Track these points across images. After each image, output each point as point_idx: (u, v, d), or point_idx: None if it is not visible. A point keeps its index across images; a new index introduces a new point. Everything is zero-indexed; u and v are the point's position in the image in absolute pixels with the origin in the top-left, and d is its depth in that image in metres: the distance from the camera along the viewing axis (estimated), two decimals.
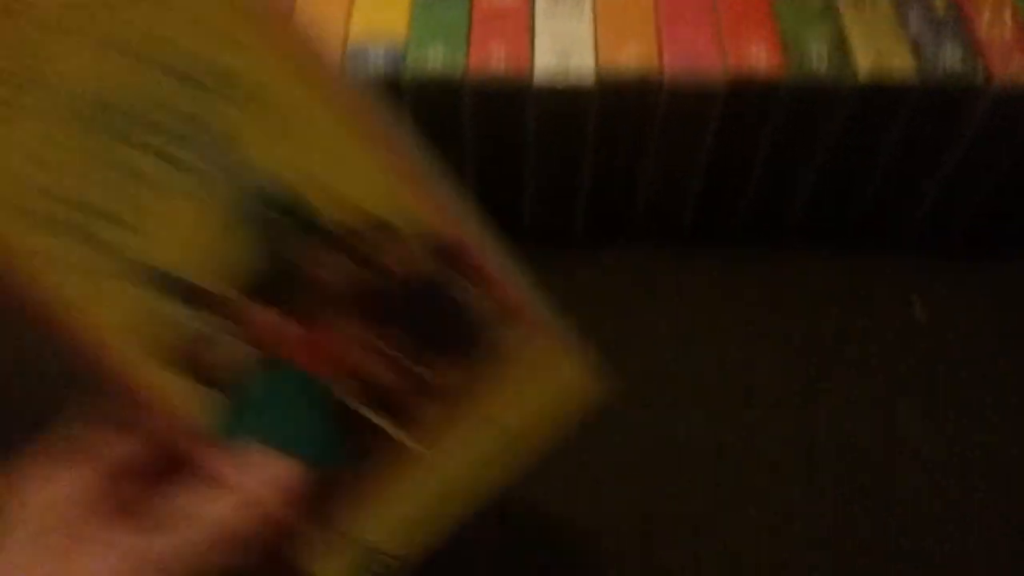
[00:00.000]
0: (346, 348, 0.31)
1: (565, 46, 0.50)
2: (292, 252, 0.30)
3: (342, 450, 0.32)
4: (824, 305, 0.56)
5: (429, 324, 0.32)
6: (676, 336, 0.55)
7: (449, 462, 0.34)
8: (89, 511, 0.29)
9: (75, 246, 0.27)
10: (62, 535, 0.28)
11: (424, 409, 0.33)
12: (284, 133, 0.28)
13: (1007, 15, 0.51)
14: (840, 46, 0.50)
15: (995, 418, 0.52)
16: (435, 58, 0.49)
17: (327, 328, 0.31)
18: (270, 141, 0.28)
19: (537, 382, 0.35)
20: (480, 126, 0.51)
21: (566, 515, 0.49)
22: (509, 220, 0.56)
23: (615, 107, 0.50)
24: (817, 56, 0.49)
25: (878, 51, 0.49)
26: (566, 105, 0.50)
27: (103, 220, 0.27)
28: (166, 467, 0.31)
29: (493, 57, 0.49)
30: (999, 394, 0.53)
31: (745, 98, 0.49)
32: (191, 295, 0.29)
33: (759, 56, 0.49)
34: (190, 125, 0.27)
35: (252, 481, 0.30)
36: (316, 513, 0.32)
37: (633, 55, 0.49)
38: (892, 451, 0.51)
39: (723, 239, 0.59)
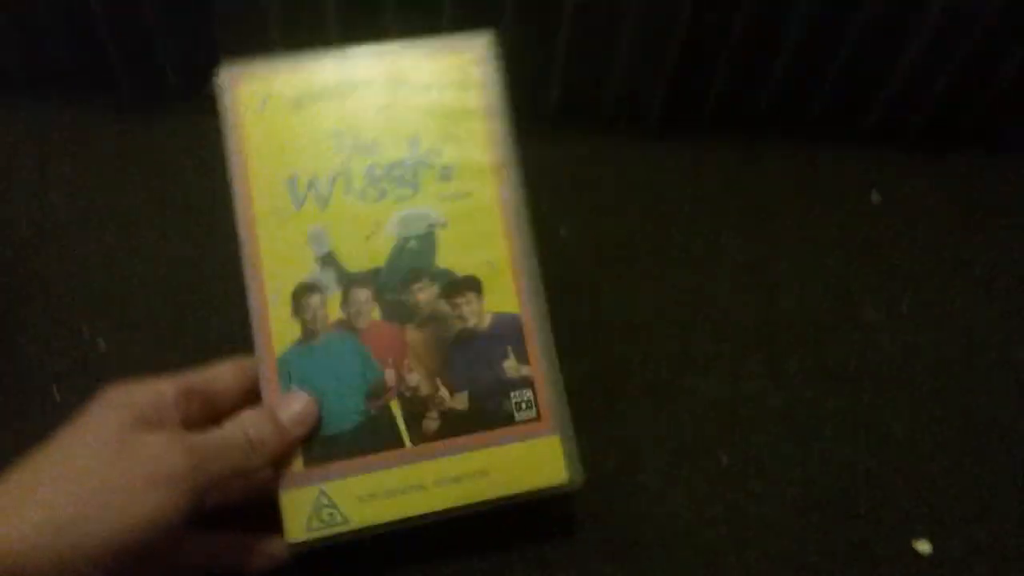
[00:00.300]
0: (405, 349, 0.41)
1: None
2: (409, 272, 0.41)
3: (358, 419, 0.40)
4: (786, 192, 0.58)
5: (469, 366, 0.41)
6: (642, 217, 0.56)
7: (426, 473, 0.40)
8: (160, 413, 0.37)
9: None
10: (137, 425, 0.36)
11: (431, 423, 0.40)
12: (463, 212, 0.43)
13: None
14: None
15: (941, 298, 0.54)
16: None
17: (402, 330, 0.41)
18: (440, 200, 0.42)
19: (526, 459, 0.41)
20: None
21: None
22: None
23: None
24: None
25: None
26: None
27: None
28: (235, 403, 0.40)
29: None
30: (947, 276, 0.55)
31: None
32: (331, 262, 0.41)
33: None
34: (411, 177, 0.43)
35: (285, 411, 0.39)
36: (309, 454, 0.40)
37: None
38: (849, 326, 0.53)
39: (692, 129, 0.60)
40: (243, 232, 0.41)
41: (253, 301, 0.40)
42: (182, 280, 0.52)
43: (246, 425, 0.38)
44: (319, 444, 0.40)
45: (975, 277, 0.55)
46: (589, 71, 0.56)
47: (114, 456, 0.34)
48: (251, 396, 0.40)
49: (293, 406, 0.39)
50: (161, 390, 0.38)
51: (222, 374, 0.40)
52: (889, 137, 0.60)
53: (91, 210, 0.54)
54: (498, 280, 0.42)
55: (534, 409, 0.41)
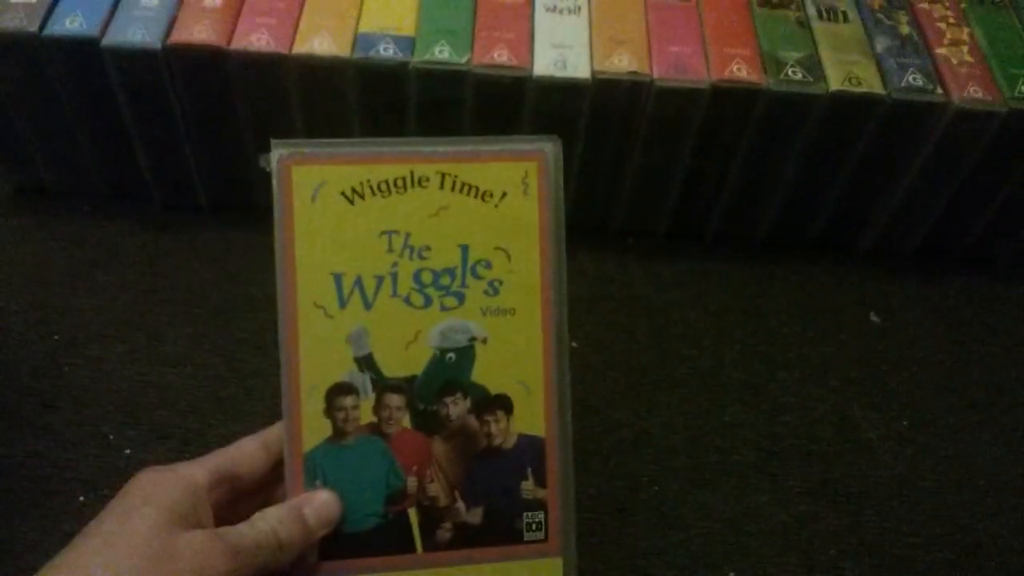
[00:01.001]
0: (430, 459, 0.41)
1: (563, 50, 0.53)
2: (445, 383, 0.41)
3: (376, 521, 0.41)
4: (787, 312, 0.60)
5: (489, 482, 0.42)
6: (650, 334, 0.58)
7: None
8: (196, 508, 0.37)
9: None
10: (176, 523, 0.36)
11: (445, 533, 0.41)
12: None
13: (964, 39, 0.56)
14: (813, 61, 0.54)
15: (939, 418, 0.56)
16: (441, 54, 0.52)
17: (429, 440, 0.41)
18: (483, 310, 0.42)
19: None
20: (480, 115, 0.54)
21: None
22: None
23: (607, 105, 0.53)
24: (792, 70, 0.53)
25: (847, 67, 0.53)
26: (560, 102, 0.53)
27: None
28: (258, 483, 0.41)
29: (495, 57, 0.52)
30: (944, 396, 0.57)
31: (726, 102, 0.53)
32: (369, 365, 0.41)
33: (740, 67, 0.53)
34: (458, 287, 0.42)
35: (311, 510, 0.40)
36: (325, 550, 0.40)
37: (625, 60, 0.52)
38: (849, 444, 0.54)
39: (696, 250, 0.63)
40: (284, 323, 0.41)
41: (287, 394, 0.40)
42: (208, 389, 0.54)
43: (275, 524, 0.38)
44: (335, 541, 0.40)
45: (971, 398, 0.57)
46: (597, 193, 0.59)
47: (156, 559, 0.34)
48: (275, 474, 0.41)
49: (319, 506, 0.40)
50: (195, 482, 0.38)
51: (248, 455, 0.41)
52: (885, 260, 0.63)
53: (120, 319, 0.56)
54: (530, 401, 0.42)
55: (543, 532, 0.42)
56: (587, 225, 0.62)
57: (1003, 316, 0.61)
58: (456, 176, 0.42)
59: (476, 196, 0.42)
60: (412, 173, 0.41)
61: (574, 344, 0.57)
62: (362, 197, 0.41)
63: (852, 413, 0.55)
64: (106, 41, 0.52)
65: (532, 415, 0.42)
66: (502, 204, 0.42)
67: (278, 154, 0.41)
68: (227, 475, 0.39)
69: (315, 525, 0.39)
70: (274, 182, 0.41)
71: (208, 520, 0.38)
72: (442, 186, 0.41)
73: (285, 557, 0.38)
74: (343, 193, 0.41)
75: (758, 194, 0.59)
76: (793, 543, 0.50)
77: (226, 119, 0.56)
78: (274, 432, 0.42)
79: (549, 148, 0.42)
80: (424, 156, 0.42)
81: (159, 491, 0.37)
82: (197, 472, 0.38)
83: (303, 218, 0.41)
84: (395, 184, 0.41)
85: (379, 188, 0.41)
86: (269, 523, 0.38)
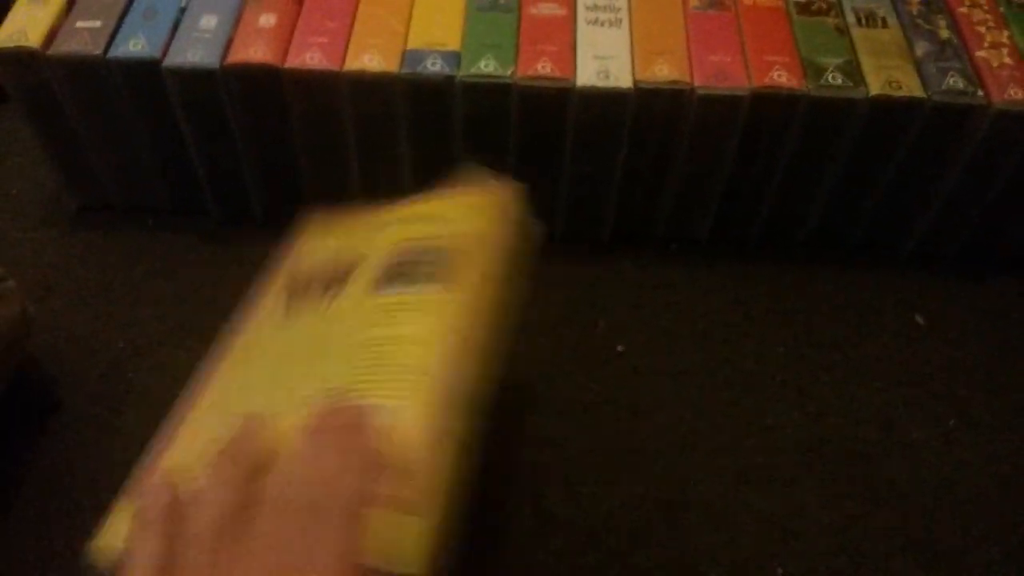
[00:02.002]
0: None
1: (605, 61, 0.54)
2: None
3: None
4: (830, 314, 0.61)
5: None
6: (694, 338, 0.59)
7: None
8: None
9: None
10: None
11: None
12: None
13: (1004, 42, 0.56)
14: (853, 66, 0.54)
15: (986, 419, 0.56)
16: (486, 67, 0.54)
17: None
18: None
19: None
20: (526, 127, 0.56)
21: (593, 494, 0.53)
22: (546, 223, 0.62)
23: (648, 114, 0.54)
24: (832, 75, 0.54)
25: (887, 71, 0.54)
26: (604, 112, 0.54)
27: None
28: None
29: (539, 69, 0.54)
30: (991, 397, 0.57)
31: (767, 109, 0.54)
32: None
33: (780, 74, 0.54)
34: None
35: None
36: None
37: (666, 69, 0.54)
38: (896, 445, 0.55)
39: (736, 252, 0.64)
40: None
41: None
42: None
43: None
44: None
45: (1017, 398, 0.57)
46: (641, 200, 0.61)
47: None
48: None
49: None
50: None
51: None
52: (928, 262, 0.63)
53: (181, 327, 0.59)
54: None
55: None
56: (630, 231, 0.63)
57: None
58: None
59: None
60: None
61: (620, 348, 0.58)
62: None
63: (897, 414, 0.56)
64: (167, 62, 0.54)
65: None
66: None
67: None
68: None
69: None
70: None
71: None
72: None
73: None
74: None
75: (799, 199, 0.60)
76: (840, 542, 0.51)
77: (281, 135, 0.58)
78: None
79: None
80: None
81: None
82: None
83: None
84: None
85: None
86: None
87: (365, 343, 0.38)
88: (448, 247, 0.41)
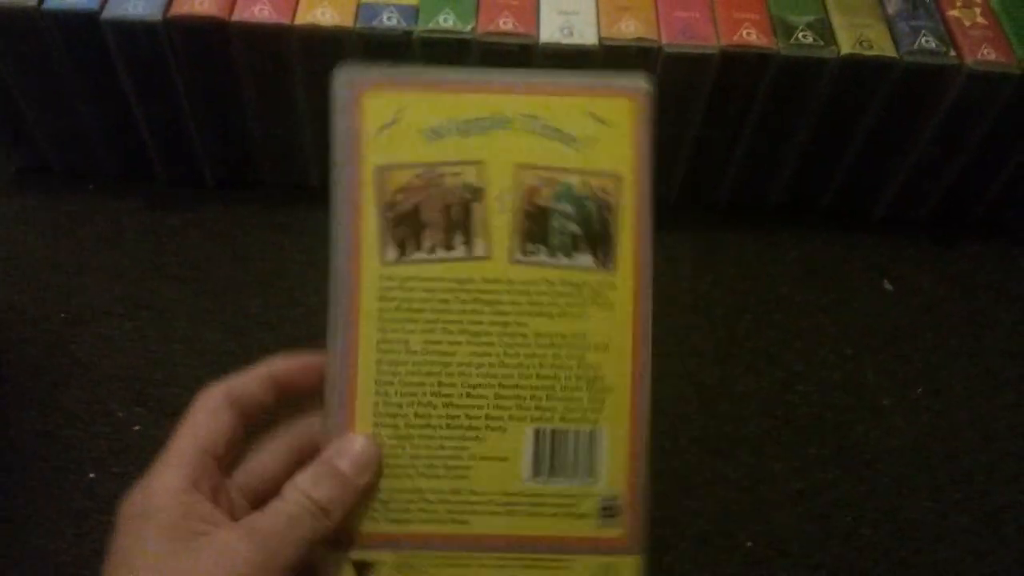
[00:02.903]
0: None
1: (569, 16, 0.52)
2: None
3: None
4: (800, 280, 0.60)
5: None
6: (660, 304, 0.58)
7: None
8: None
9: None
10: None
11: None
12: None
13: (977, 1, 0.55)
14: (824, 25, 0.53)
15: (954, 385, 0.55)
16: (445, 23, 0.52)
17: None
18: None
19: None
20: None
21: None
22: None
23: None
24: (803, 35, 0.52)
25: (858, 30, 0.53)
26: (568, 67, 0.52)
27: None
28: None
29: (501, 24, 0.51)
30: (959, 363, 0.56)
31: (736, 68, 0.52)
32: None
33: (749, 32, 0.52)
34: None
35: (344, 457, 0.34)
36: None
37: (632, 26, 0.52)
38: (865, 411, 0.54)
39: (703, 216, 0.62)
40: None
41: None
42: (216, 366, 0.53)
43: (308, 488, 0.33)
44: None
45: (986, 364, 0.56)
46: None
47: None
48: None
49: (356, 454, 0.34)
50: (174, 488, 0.32)
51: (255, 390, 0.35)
52: (899, 227, 0.62)
53: (127, 297, 0.56)
54: None
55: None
56: None
57: (1018, 282, 0.60)
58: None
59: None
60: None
61: None
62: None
63: (866, 380, 0.55)
64: (106, 14, 0.51)
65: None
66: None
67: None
68: (210, 449, 0.34)
69: (354, 474, 0.34)
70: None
71: (227, 510, 0.33)
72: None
73: (332, 521, 0.33)
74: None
75: (768, 162, 0.58)
76: (809, 510, 0.50)
77: (229, 93, 0.55)
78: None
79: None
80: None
81: (142, 520, 0.32)
82: (170, 479, 0.32)
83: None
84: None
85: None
86: (301, 488, 0.33)
87: (538, 341, 0.35)
88: (594, 198, 0.35)
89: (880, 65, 0.52)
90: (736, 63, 0.52)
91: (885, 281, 0.60)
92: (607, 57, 0.51)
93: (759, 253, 0.61)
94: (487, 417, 0.34)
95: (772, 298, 0.58)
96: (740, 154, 0.58)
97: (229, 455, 0.35)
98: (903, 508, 0.50)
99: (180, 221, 0.60)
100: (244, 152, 0.59)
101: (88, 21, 0.51)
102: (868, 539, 0.49)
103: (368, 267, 0.34)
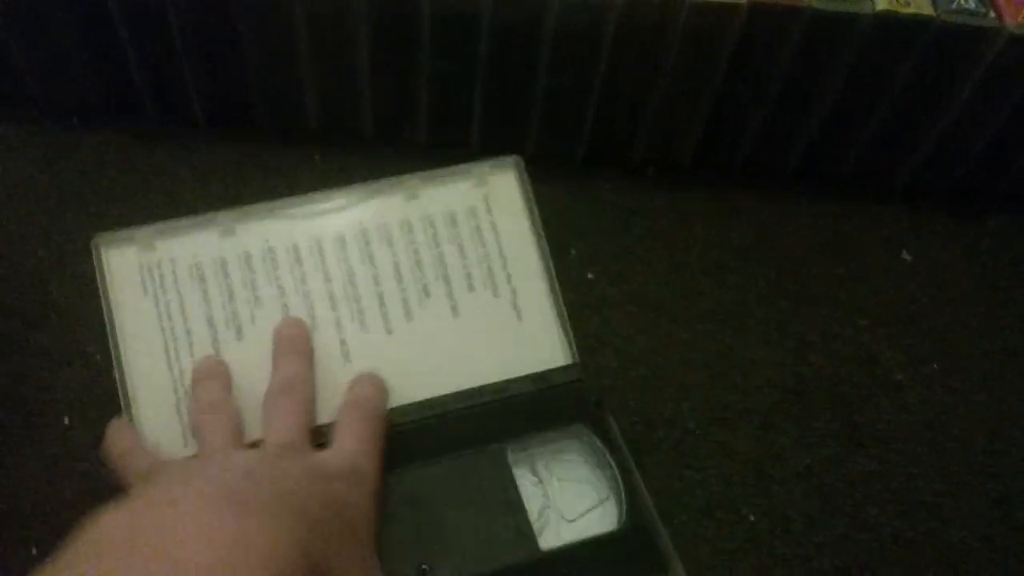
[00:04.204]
0: None
1: None
2: None
3: None
4: (817, 248, 0.57)
5: None
6: (670, 268, 0.56)
7: None
8: None
9: None
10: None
11: None
12: None
13: None
14: None
15: (970, 362, 0.54)
16: None
17: None
18: None
19: None
20: (500, 34, 0.51)
21: None
22: (515, 139, 0.58)
23: (635, 25, 0.50)
24: None
25: None
26: (586, 21, 0.49)
27: None
28: None
29: None
30: (975, 339, 0.54)
31: (764, 21, 0.49)
32: None
33: None
34: None
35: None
36: None
37: None
38: (877, 386, 0.52)
39: (719, 179, 0.60)
40: None
41: None
42: None
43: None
44: None
45: (1005, 342, 0.54)
46: (620, 119, 0.56)
47: None
48: None
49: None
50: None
51: None
52: (922, 197, 0.60)
53: None
54: None
55: None
56: (607, 152, 0.59)
57: None
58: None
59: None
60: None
61: (590, 276, 0.54)
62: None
63: (881, 354, 0.53)
64: None
65: None
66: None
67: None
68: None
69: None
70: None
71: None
72: None
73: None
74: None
75: (791, 123, 0.56)
76: (816, 487, 0.48)
77: (225, 27, 0.52)
78: None
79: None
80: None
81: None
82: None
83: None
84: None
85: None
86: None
87: None
88: None
89: (916, 24, 0.49)
90: (764, 16, 0.49)
91: (904, 252, 0.57)
92: (627, 6, 0.48)
93: (775, 219, 0.58)
94: None
95: (786, 266, 0.56)
96: (761, 114, 0.55)
97: None
98: (912, 488, 0.49)
99: (168, 159, 0.57)
100: (240, 90, 0.56)
101: None
102: (874, 519, 0.47)
103: None
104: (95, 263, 0.41)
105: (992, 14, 0.50)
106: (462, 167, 0.45)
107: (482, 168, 0.45)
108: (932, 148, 0.56)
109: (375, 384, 0.41)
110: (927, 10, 0.49)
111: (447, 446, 0.40)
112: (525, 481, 0.40)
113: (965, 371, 0.53)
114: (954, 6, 0.49)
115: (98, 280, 0.41)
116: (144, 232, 0.42)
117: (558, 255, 0.54)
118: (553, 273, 0.45)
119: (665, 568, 0.39)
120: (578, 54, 0.52)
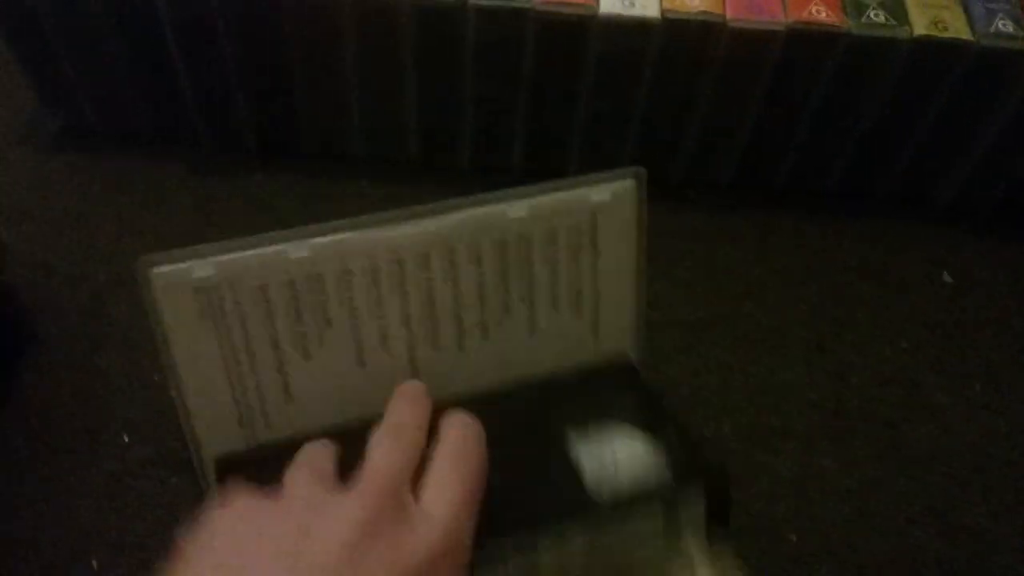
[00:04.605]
0: None
1: None
2: None
3: None
4: (857, 269, 0.58)
5: None
6: (711, 290, 0.56)
7: None
8: None
9: None
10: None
11: None
12: None
13: None
14: (897, 4, 0.51)
15: (1014, 384, 0.53)
16: None
17: None
18: None
19: None
20: (542, 57, 0.52)
21: None
22: (557, 162, 0.59)
23: (675, 47, 0.51)
24: (874, 13, 0.50)
25: (933, 11, 0.50)
26: (627, 45, 0.50)
27: None
28: None
29: None
30: (1020, 362, 0.54)
31: (803, 46, 0.50)
32: None
33: (819, 9, 0.50)
34: None
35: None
36: None
37: (697, 0, 0.50)
38: (920, 408, 0.52)
39: (759, 200, 0.60)
40: None
41: None
42: None
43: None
44: None
45: None
46: (661, 142, 0.57)
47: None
48: None
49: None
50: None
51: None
52: (963, 217, 0.60)
53: None
54: None
55: None
56: (647, 174, 0.59)
57: None
58: None
59: None
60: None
61: None
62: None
63: (922, 376, 0.53)
64: None
65: None
66: None
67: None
68: None
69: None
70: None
71: None
72: None
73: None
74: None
75: (830, 145, 0.56)
76: (858, 508, 0.48)
77: (276, 58, 0.54)
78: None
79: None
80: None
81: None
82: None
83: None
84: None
85: None
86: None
87: None
88: None
89: (954, 48, 0.50)
90: (803, 41, 0.50)
91: (945, 274, 0.57)
92: (668, 30, 0.49)
93: (815, 240, 0.59)
94: None
95: (827, 287, 0.56)
96: (801, 137, 0.55)
97: None
98: (956, 512, 0.49)
99: (222, 187, 0.59)
100: (290, 120, 0.58)
101: None
102: (918, 542, 0.47)
103: None
104: (142, 286, 0.38)
105: None
106: (573, 180, 0.41)
107: (597, 182, 0.41)
108: (972, 168, 0.56)
109: (474, 430, 0.36)
110: (965, 34, 0.50)
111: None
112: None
113: (1008, 392, 0.53)
114: (992, 30, 0.50)
115: (146, 302, 0.38)
116: (198, 252, 0.39)
117: None
118: (644, 292, 0.44)
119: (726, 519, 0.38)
120: (620, 77, 0.53)
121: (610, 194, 0.41)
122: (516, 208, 0.39)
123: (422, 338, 0.40)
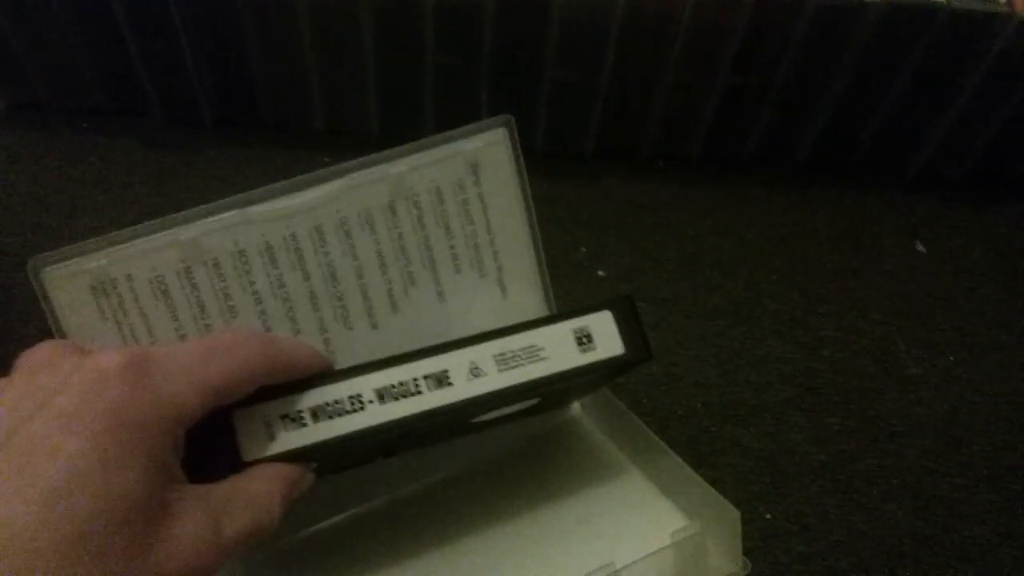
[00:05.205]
0: None
1: None
2: None
3: None
4: (829, 240, 0.57)
5: None
6: (681, 263, 0.55)
7: None
8: None
9: None
10: None
11: None
12: None
13: None
14: None
15: (986, 353, 0.53)
16: None
17: None
18: None
19: None
20: (504, 27, 0.50)
21: None
22: (523, 136, 0.57)
23: (641, 16, 0.49)
24: None
25: None
26: (589, 12, 0.49)
27: None
28: None
29: None
30: (991, 330, 0.54)
31: (771, 12, 0.49)
32: None
33: None
34: None
35: None
36: None
37: None
38: (892, 380, 0.51)
39: (729, 172, 0.59)
40: None
41: None
42: None
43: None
44: None
45: (1021, 333, 0.54)
46: (629, 112, 0.56)
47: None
48: None
49: None
50: (185, 416, 0.29)
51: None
52: (934, 186, 0.59)
53: None
54: None
55: None
56: (615, 147, 0.58)
57: None
58: None
59: None
60: None
61: (601, 273, 0.54)
62: None
63: (895, 348, 0.52)
64: None
65: None
66: None
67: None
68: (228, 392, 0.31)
69: None
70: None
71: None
72: None
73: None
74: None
75: (800, 113, 0.55)
76: (832, 483, 0.48)
77: (230, 27, 0.52)
78: None
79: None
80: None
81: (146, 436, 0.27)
82: (190, 400, 0.29)
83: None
84: None
85: None
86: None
87: None
88: None
89: (925, 11, 0.49)
90: (770, 7, 0.49)
91: (918, 243, 0.57)
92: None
93: (786, 211, 0.58)
94: None
95: (799, 258, 0.56)
96: (770, 105, 0.54)
97: None
98: (930, 484, 0.48)
99: (177, 161, 0.57)
100: (246, 91, 0.56)
101: None
102: (892, 515, 0.47)
103: None
104: (37, 289, 0.35)
105: (1002, 0, 0.49)
106: (446, 135, 0.40)
107: (468, 134, 0.41)
108: (943, 136, 0.56)
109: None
110: None
111: None
112: None
113: (981, 363, 0.52)
114: None
115: (44, 307, 0.35)
116: (89, 247, 0.36)
117: (568, 253, 0.54)
118: (540, 242, 0.42)
119: None
120: (584, 47, 0.51)
121: (483, 142, 0.41)
122: (396, 165, 0.39)
123: (332, 318, 0.39)
